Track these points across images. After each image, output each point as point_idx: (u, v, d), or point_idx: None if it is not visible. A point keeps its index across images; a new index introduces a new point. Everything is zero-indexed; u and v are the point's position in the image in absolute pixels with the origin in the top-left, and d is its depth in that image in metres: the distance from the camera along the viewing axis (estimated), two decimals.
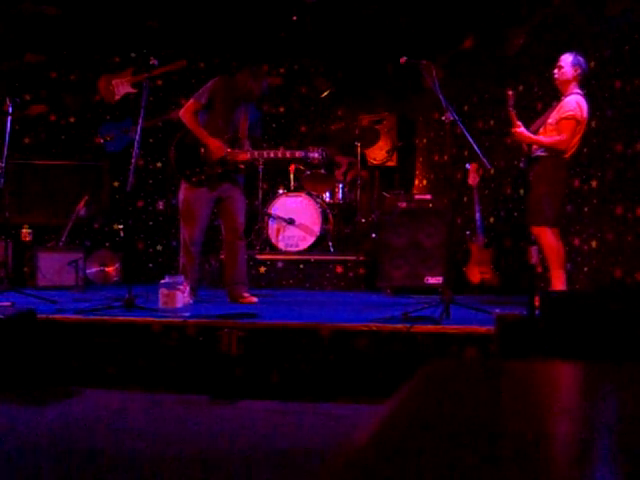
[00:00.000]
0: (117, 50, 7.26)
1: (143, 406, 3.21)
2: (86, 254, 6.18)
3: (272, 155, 4.62)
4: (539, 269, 4.89)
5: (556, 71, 4.40)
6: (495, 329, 3.12)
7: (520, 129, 4.35)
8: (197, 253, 4.69)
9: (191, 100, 4.58)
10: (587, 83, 4.39)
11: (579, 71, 4.33)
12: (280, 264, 6.15)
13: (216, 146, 4.49)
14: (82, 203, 6.39)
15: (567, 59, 4.35)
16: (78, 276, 5.73)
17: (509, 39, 6.04)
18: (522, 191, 4.86)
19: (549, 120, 4.40)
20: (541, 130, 4.45)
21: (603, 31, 5.08)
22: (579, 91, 4.33)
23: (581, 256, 5.24)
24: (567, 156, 4.35)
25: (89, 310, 3.88)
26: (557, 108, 4.37)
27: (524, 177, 4.56)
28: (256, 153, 4.59)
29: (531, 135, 4.38)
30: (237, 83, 4.57)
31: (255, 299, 4.68)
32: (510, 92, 4.34)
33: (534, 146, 4.43)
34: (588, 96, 4.44)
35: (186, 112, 4.54)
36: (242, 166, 4.63)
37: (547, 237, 4.33)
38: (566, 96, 4.34)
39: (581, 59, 4.35)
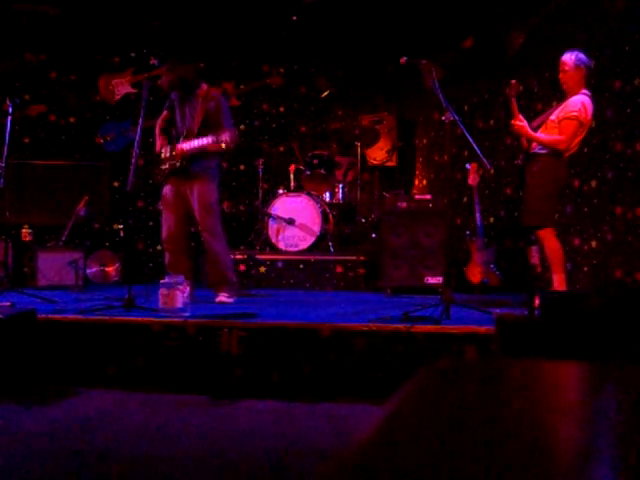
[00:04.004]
0: (117, 50, 7.26)
1: (143, 406, 3.21)
2: (86, 254, 6.18)
3: (191, 146, 4.46)
4: (539, 269, 4.89)
5: (561, 75, 4.31)
6: (495, 329, 3.12)
7: (521, 123, 4.32)
8: (175, 251, 4.66)
9: None
10: (588, 82, 4.34)
11: (584, 70, 4.25)
12: (280, 264, 6.15)
13: (158, 145, 4.75)
14: (82, 203, 6.39)
15: (569, 61, 4.25)
16: (78, 276, 5.74)
17: (509, 39, 6.04)
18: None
19: (551, 117, 4.36)
20: (542, 127, 4.42)
21: (603, 31, 5.07)
22: (586, 92, 4.26)
23: (581, 256, 5.24)
24: (565, 155, 4.33)
25: (89, 310, 3.89)
26: (562, 106, 4.32)
27: (520, 173, 4.54)
28: (184, 146, 4.52)
29: (531, 132, 4.35)
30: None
31: (230, 300, 4.61)
32: (514, 82, 4.30)
33: (533, 143, 4.41)
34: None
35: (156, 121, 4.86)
36: (182, 161, 4.53)
37: (552, 239, 4.31)
38: (572, 96, 4.27)
39: (582, 56, 4.25)
